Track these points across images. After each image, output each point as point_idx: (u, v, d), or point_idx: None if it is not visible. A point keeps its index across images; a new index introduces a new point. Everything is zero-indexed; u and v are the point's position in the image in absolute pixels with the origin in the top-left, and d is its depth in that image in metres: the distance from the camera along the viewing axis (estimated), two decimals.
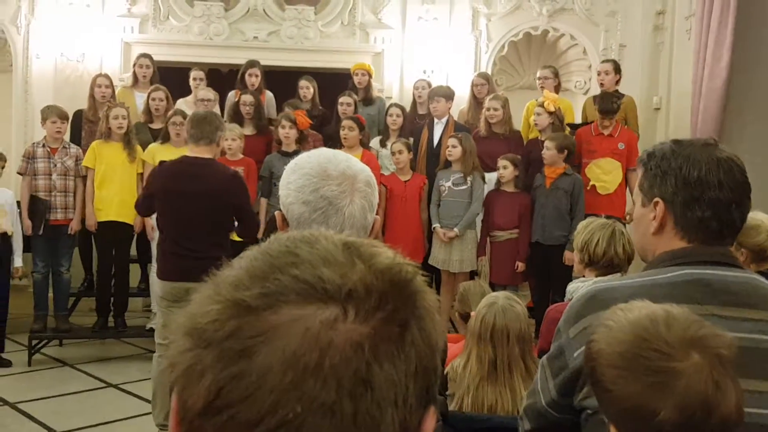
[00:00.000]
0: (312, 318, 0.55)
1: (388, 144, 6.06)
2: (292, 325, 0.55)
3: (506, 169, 5.44)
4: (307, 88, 6.49)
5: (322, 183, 1.41)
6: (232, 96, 6.48)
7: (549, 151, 5.33)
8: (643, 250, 1.62)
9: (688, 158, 1.49)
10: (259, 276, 0.58)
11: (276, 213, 1.47)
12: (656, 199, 1.52)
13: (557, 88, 6.29)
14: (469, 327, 2.60)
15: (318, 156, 1.46)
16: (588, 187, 5.55)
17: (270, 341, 0.54)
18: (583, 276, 2.90)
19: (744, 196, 1.48)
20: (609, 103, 5.67)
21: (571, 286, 2.89)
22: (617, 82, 6.14)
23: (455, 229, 5.46)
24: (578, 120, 6.46)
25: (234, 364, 0.54)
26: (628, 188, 5.70)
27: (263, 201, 5.69)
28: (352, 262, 0.59)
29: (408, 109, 6.50)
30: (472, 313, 2.60)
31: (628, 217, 5.66)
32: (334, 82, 7.04)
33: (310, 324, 0.55)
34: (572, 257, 5.21)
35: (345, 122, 5.75)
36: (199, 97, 6.04)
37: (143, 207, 4.35)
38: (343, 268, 0.58)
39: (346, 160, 1.46)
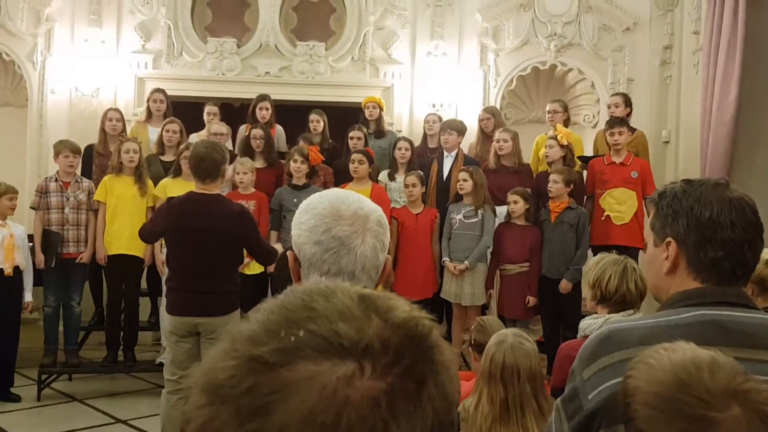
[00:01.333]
0: (329, 374, 0.55)
1: (397, 177, 6.08)
2: (309, 382, 0.54)
3: (517, 204, 5.44)
4: (317, 122, 6.54)
5: (334, 223, 1.40)
6: (243, 130, 6.54)
7: (556, 184, 5.34)
8: (656, 289, 1.61)
9: (699, 198, 1.49)
10: (276, 331, 0.58)
11: (288, 253, 1.47)
12: (668, 239, 1.51)
13: (567, 122, 6.32)
14: (479, 366, 2.57)
15: (330, 196, 1.46)
16: (603, 218, 5.54)
17: (287, 398, 0.54)
18: (596, 312, 2.88)
19: (756, 236, 1.48)
20: (616, 119, 5.75)
21: (584, 323, 2.86)
22: (628, 115, 6.17)
23: (465, 262, 5.45)
24: (589, 154, 6.47)
25: (251, 421, 0.54)
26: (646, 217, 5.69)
27: (273, 234, 5.70)
28: (369, 317, 0.59)
29: (418, 142, 6.54)
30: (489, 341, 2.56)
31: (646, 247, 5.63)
32: (344, 116, 7.10)
33: (327, 380, 0.55)
34: (568, 287, 5.23)
35: (354, 156, 5.78)
36: (212, 131, 6.10)
37: (147, 234, 4.43)
38: (360, 322, 0.58)
39: (358, 201, 1.46)
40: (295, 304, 0.60)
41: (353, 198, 1.46)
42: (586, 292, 2.99)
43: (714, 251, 1.46)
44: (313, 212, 1.43)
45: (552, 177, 5.38)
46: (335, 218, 1.41)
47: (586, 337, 2.81)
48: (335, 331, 0.57)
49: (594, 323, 2.80)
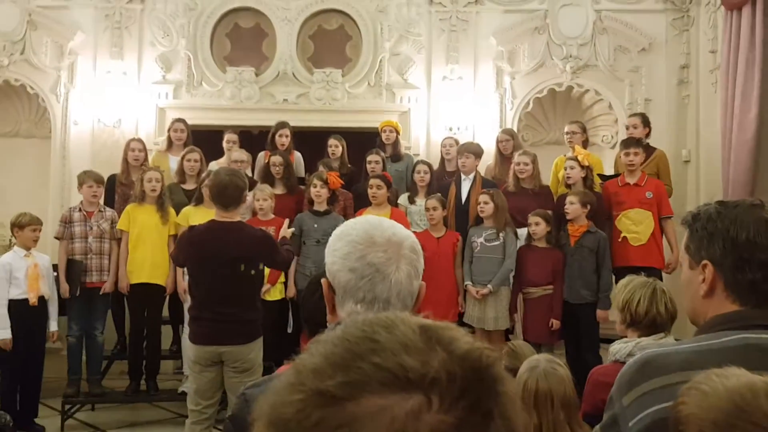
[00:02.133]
0: (396, 408, 0.55)
1: (417, 201, 6.09)
2: (376, 416, 0.54)
3: (538, 225, 5.42)
4: (336, 147, 6.58)
5: (368, 250, 1.40)
6: (262, 157, 6.59)
7: (573, 205, 5.32)
8: (693, 313, 1.59)
9: (735, 220, 1.47)
10: (340, 364, 0.58)
11: (323, 280, 1.47)
12: (704, 261, 1.50)
13: (585, 143, 6.31)
14: None
15: (364, 223, 1.46)
16: (620, 239, 5.51)
17: None
18: (626, 336, 2.84)
19: None
20: (631, 140, 5.75)
21: (614, 347, 2.82)
22: (647, 135, 6.15)
23: (489, 286, 5.42)
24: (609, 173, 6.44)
25: None
26: (665, 238, 5.66)
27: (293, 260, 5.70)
28: (432, 348, 0.59)
29: (436, 166, 6.55)
30: (521, 367, 2.53)
31: (669, 267, 5.60)
32: (361, 141, 7.13)
33: (395, 414, 0.54)
34: (605, 316, 5.17)
35: (372, 181, 5.80)
36: (233, 158, 6.16)
37: (179, 262, 4.50)
38: (424, 354, 0.58)
39: (391, 227, 1.45)
40: (357, 336, 0.60)
41: (387, 224, 1.46)
42: (614, 316, 2.95)
43: (752, 273, 1.44)
44: (347, 239, 1.43)
45: (568, 198, 5.36)
46: (369, 245, 1.40)
47: (616, 361, 2.78)
48: (400, 363, 0.57)
49: (624, 347, 2.76)
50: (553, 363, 2.44)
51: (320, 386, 0.56)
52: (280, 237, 4.50)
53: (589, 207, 5.38)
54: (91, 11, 7.38)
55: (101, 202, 5.83)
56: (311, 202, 5.85)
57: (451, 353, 0.58)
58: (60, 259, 5.59)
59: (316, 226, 5.69)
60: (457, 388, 0.56)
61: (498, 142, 6.50)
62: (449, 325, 0.63)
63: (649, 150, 5.96)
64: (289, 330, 5.86)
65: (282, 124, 6.57)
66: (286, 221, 4.93)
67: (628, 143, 5.72)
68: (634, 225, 5.55)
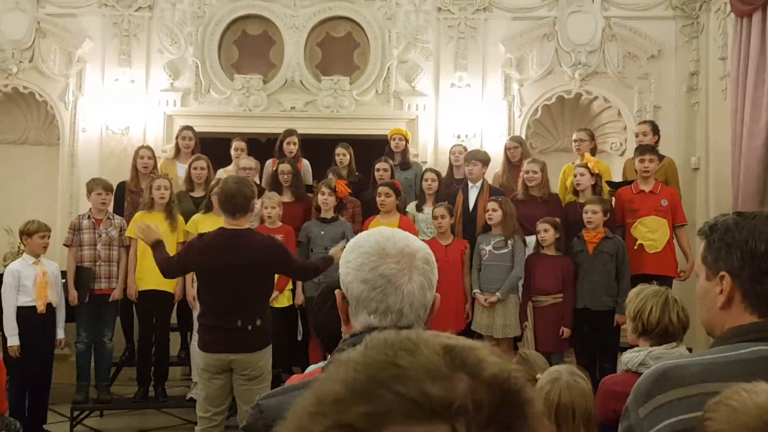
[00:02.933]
0: None
1: (424, 209, 6.07)
2: None
3: (547, 233, 5.40)
4: (343, 155, 6.58)
5: (381, 261, 1.40)
6: (269, 164, 6.60)
7: (596, 214, 5.29)
8: (709, 324, 1.57)
9: (753, 231, 1.46)
10: (361, 393, 0.56)
11: (336, 291, 1.47)
12: (722, 272, 1.48)
13: (593, 151, 6.29)
14: None
15: (376, 234, 1.46)
16: (635, 247, 5.48)
17: None
18: (637, 345, 2.82)
19: None
20: (646, 146, 5.73)
21: (625, 357, 2.80)
22: (656, 143, 6.12)
23: (497, 294, 5.40)
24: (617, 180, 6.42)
25: None
26: (677, 245, 5.64)
27: None
28: (457, 373, 0.57)
29: (444, 173, 6.54)
30: (538, 376, 2.50)
31: (681, 275, 5.57)
32: (369, 148, 7.13)
33: None
34: (625, 320, 5.12)
35: (381, 188, 5.79)
36: (241, 165, 6.16)
37: (172, 271, 4.35)
38: (449, 381, 0.56)
39: (404, 238, 1.45)
40: (379, 360, 0.59)
41: (399, 236, 1.45)
42: (626, 324, 2.93)
43: None
44: (360, 251, 1.43)
45: (591, 207, 5.32)
46: (381, 256, 1.40)
47: (627, 371, 2.76)
48: (424, 392, 0.55)
49: (636, 356, 2.74)
50: (575, 375, 2.40)
51: (342, 419, 0.55)
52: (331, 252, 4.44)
53: (608, 215, 5.38)
54: (99, 19, 7.43)
55: (110, 209, 5.84)
56: (318, 210, 5.85)
57: (476, 377, 0.57)
58: (69, 266, 5.60)
59: (323, 233, 5.68)
60: (484, 416, 0.55)
61: (506, 149, 6.49)
62: (474, 345, 0.61)
63: (658, 157, 5.92)
64: (299, 337, 5.85)
65: (290, 132, 6.58)
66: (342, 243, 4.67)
67: (643, 150, 5.69)
68: (651, 232, 5.52)
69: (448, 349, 0.59)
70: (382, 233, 1.46)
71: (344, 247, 3.91)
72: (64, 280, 5.57)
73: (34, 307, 5.23)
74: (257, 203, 5.27)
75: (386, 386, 0.56)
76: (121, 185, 6.18)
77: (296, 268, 4.37)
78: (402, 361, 0.57)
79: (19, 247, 5.64)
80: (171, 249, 5.59)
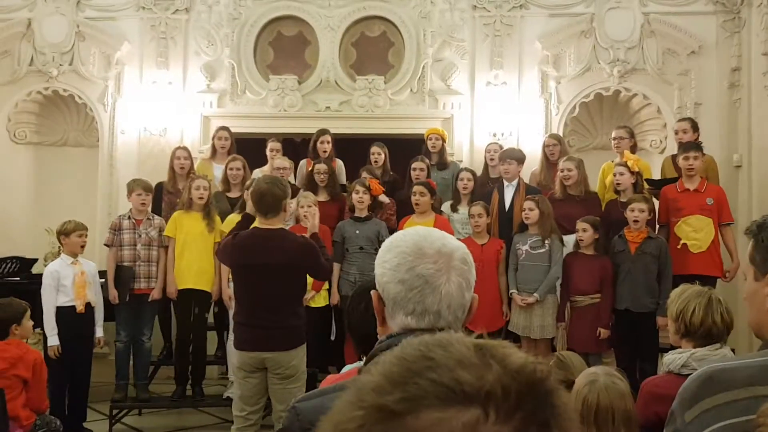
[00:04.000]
0: (454, 421, 0.56)
1: (460, 208, 6.03)
2: (434, 429, 0.56)
3: (586, 232, 5.32)
4: (378, 154, 6.57)
5: (418, 261, 1.37)
6: (304, 165, 6.62)
7: (642, 213, 5.20)
8: (758, 326, 1.52)
9: None
10: (399, 381, 0.60)
11: (372, 292, 1.45)
12: None
13: (633, 148, 6.18)
14: None
15: (413, 234, 1.44)
16: (679, 246, 5.37)
17: None
18: (680, 347, 2.75)
19: None
20: (690, 143, 5.62)
21: (668, 358, 2.74)
22: (696, 140, 5.99)
23: (535, 295, 5.34)
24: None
25: None
26: (723, 245, 5.51)
27: (336, 266, 5.70)
28: (487, 363, 0.60)
29: (479, 172, 6.49)
30: (576, 378, 2.46)
31: (727, 275, 5.45)
32: (404, 148, 7.12)
33: (453, 427, 0.56)
34: (666, 322, 5.03)
35: (416, 188, 5.77)
36: (276, 165, 6.20)
37: (222, 255, 4.40)
38: (479, 369, 0.59)
39: (441, 238, 1.43)
40: (414, 355, 0.62)
41: (436, 235, 1.43)
42: (669, 325, 2.86)
43: None
44: (397, 251, 1.41)
45: (638, 206, 5.22)
46: (418, 256, 1.38)
47: (669, 372, 2.70)
48: (456, 378, 0.58)
49: (679, 358, 2.68)
50: (612, 377, 2.36)
51: (380, 402, 0.58)
52: (309, 232, 4.47)
53: (652, 214, 5.28)
54: (137, 22, 7.55)
55: (149, 210, 5.91)
56: (352, 209, 5.85)
57: (505, 367, 0.60)
58: (109, 266, 5.68)
59: (357, 232, 5.69)
60: (512, 401, 0.58)
61: (545, 147, 6.41)
62: (503, 343, 0.65)
63: (702, 155, 5.78)
64: (332, 337, 5.86)
65: (323, 131, 6.60)
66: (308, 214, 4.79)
67: (688, 147, 5.56)
68: (695, 232, 5.40)
69: (479, 346, 0.63)
70: (418, 233, 1.44)
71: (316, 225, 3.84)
72: (102, 280, 5.66)
73: (74, 306, 5.31)
74: (292, 203, 5.30)
75: (421, 375, 0.59)
76: (159, 186, 6.26)
77: (322, 269, 4.33)
78: (435, 354, 0.62)
79: (59, 247, 5.74)
80: (208, 249, 5.68)
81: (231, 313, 5.21)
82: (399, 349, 0.65)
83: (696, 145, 5.63)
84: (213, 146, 6.71)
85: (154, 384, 6.13)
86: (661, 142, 7.34)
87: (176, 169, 6.27)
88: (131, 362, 5.78)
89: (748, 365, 1.38)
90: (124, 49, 7.47)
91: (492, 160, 6.50)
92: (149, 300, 5.70)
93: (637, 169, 5.61)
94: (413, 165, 6.29)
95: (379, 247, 1.49)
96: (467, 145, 7.36)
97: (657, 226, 5.59)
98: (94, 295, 5.49)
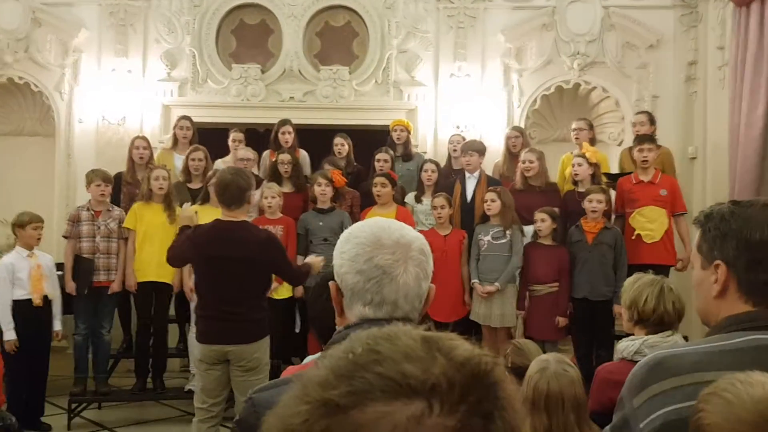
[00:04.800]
0: (398, 414, 0.57)
1: (423, 199, 6.07)
2: (379, 423, 0.56)
3: (544, 222, 5.41)
4: (342, 145, 6.57)
5: (376, 252, 1.39)
6: (267, 155, 6.59)
7: (600, 204, 5.30)
8: (704, 313, 1.57)
9: (748, 220, 1.45)
10: (345, 375, 0.60)
11: (330, 283, 1.46)
12: (717, 261, 1.48)
13: (592, 140, 6.29)
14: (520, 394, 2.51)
15: (372, 225, 1.45)
16: (633, 237, 5.49)
17: None
18: (633, 334, 2.83)
19: None
20: (645, 136, 5.74)
21: (621, 345, 2.81)
22: (653, 133, 6.12)
23: (496, 284, 5.41)
24: (614, 171, 6.42)
25: None
26: (677, 234, 5.65)
27: (300, 258, 5.70)
28: (433, 356, 0.61)
29: (443, 164, 6.53)
30: (529, 368, 2.51)
31: (679, 264, 5.59)
32: (369, 139, 7.12)
33: (398, 420, 0.56)
34: (621, 310, 5.15)
35: (377, 179, 5.80)
36: (239, 156, 6.15)
37: (176, 259, 4.36)
38: (425, 362, 0.60)
39: (399, 229, 1.44)
40: (361, 348, 0.63)
41: (395, 227, 1.45)
42: (622, 313, 2.94)
43: (765, 273, 1.42)
44: (355, 241, 1.42)
45: (596, 197, 5.33)
46: (377, 247, 1.39)
47: (623, 359, 2.77)
48: (402, 371, 0.59)
49: (632, 345, 2.76)
50: (563, 364, 2.42)
51: (325, 396, 0.59)
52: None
53: (609, 204, 5.38)
54: (95, 8, 7.38)
55: (109, 201, 5.82)
56: (315, 201, 5.85)
57: (450, 360, 0.60)
58: (67, 258, 5.59)
59: (321, 224, 5.69)
60: (457, 393, 0.58)
61: (507, 139, 6.49)
62: (450, 335, 0.65)
63: (656, 147, 5.91)
64: (297, 329, 5.86)
65: (284, 122, 6.56)
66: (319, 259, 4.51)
67: (642, 140, 5.69)
68: (649, 222, 5.54)
69: (426, 338, 0.63)
70: (377, 224, 1.46)
71: (323, 260, 3.78)
72: (60, 272, 5.56)
73: (30, 300, 5.22)
74: (256, 194, 5.26)
75: (367, 368, 0.60)
76: (118, 176, 6.15)
77: (289, 272, 4.30)
78: (382, 348, 0.62)
79: (14, 239, 5.62)
80: (169, 240, 5.57)
81: (193, 305, 5.17)
82: (347, 343, 0.65)
83: (650, 138, 5.76)
84: (174, 136, 6.62)
85: (114, 377, 6.06)
86: (619, 134, 7.47)
87: (135, 159, 6.18)
88: (90, 355, 5.70)
89: (695, 351, 1.42)
90: (81, 36, 7.31)
91: (455, 151, 6.56)
92: (109, 293, 5.62)
93: (595, 161, 5.72)
94: (377, 156, 6.31)
95: None
96: (431, 137, 7.39)
97: (613, 217, 5.71)
98: (52, 287, 5.40)
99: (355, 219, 5.78)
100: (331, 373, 0.61)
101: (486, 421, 0.59)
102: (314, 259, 4.45)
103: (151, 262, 5.60)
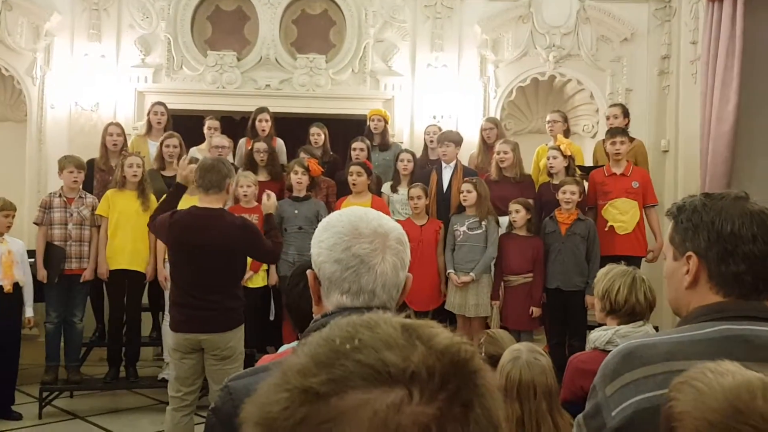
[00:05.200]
0: (378, 402, 0.57)
1: (399, 189, 6.08)
2: (359, 410, 0.56)
3: (518, 213, 5.45)
4: (318, 135, 6.54)
5: (354, 241, 1.39)
6: (243, 144, 6.54)
7: (573, 195, 5.36)
8: (676, 303, 1.59)
9: (720, 212, 1.48)
10: (325, 362, 0.60)
11: (308, 272, 1.46)
12: (689, 253, 1.50)
13: (566, 132, 6.34)
14: None
15: (349, 214, 1.46)
16: (606, 228, 5.56)
17: (339, 427, 0.56)
18: (605, 324, 2.87)
19: None
20: (617, 129, 5.81)
21: (593, 335, 2.86)
22: (626, 126, 6.19)
23: (471, 274, 5.45)
24: (588, 163, 6.49)
25: None
26: (648, 226, 5.73)
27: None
28: (413, 344, 0.61)
29: (419, 153, 6.55)
30: (502, 357, 2.55)
31: (650, 255, 5.67)
32: (345, 128, 7.10)
33: (378, 408, 0.56)
34: (593, 301, 5.22)
35: (352, 168, 5.80)
36: (214, 144, 6.10)
37: (154, 227, 4.28)
38: (405, 350, 0.60)
39: (377, 218, 1.45)
40: (341, 336, 0.62)
41: (372, 216, 1.45)
42: (595, 304, 2.98)
43: (736, 265, 1.45)
44: (333, 230, 1.42)
45: (569, 188, 5.39)
46: (355, 236, 1.40)
47: (595, 349, 2.82)
48: (382, 359, 0.59)
49: (604, 335, 2.80)
50: (535, 353, 2.46)
51: (305, 384, 0.58)
52: (264, 213, 4.44)
53: (582, 196, 5.45)
54: None
55: (81, 188, 5.74)
56: (291, 189, 5.83)
57: (430, 348, 0.60)
58: (38, 245, 5.51)
59: (296, 212, 5.67)
60: (436, 381, 0.58)
61: (482, 130, 6.51)
62: (430, 323, 0.65)
63: (629, 139, 5.98)
64: (271, 317, 5.85)
65: (261, 110, 6.52)
66: (266, 194, 4.51)
67: (614, 132, 5.77)
68: (621, 214, 5.62)
69: (406, 326, 0.63)
70: (355, 213, 1.46)
71: (276, 205, 3.78)
72: (32, 259, 5.48)
73: (1, 286, 5.15)
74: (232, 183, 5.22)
75: (347, 356, 0.60)
76: (90, 163, 6.08)
77: (264, 252, 4.23)
78: (362, 336, 0.62)
79: None
80: (143, 228, 5.53)
81: (167, 293, 5.13)
82: (326, 330, 0.65)
83: (622, 131, 5.84)
84: (148, 122, 6.55)
85: (87, 366, 6.01)
86: (593, 126, 7.54)
87: (108, 146, 6.10)
88: (62, 344, 5.64)
89: (666, 341, 1.45)
90: (54, 20, 7.17)
91: (431, 141, 6.57)
92: (81, 281, 5.56)
93: (569, 153, 5.77)
94: (353, 145, 6.30)
95: None
96: (408, 127, 7.39)
97: (586, 208, 5.78)
98: (23, 274, 5.33)
99: (330, 208, 5.77)
100: (311, 360, 0.60)
101: (465, 409, 0.59)
102: (268, 202, 4.40)
103: (123, 250, 5.54)
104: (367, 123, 6.68)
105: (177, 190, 4.22)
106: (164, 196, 4.44)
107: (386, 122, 6.72)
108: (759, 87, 6.20)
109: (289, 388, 0.59)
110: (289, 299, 2.16)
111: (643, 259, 5.64)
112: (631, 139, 6.11)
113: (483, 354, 2.92)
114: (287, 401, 0.58)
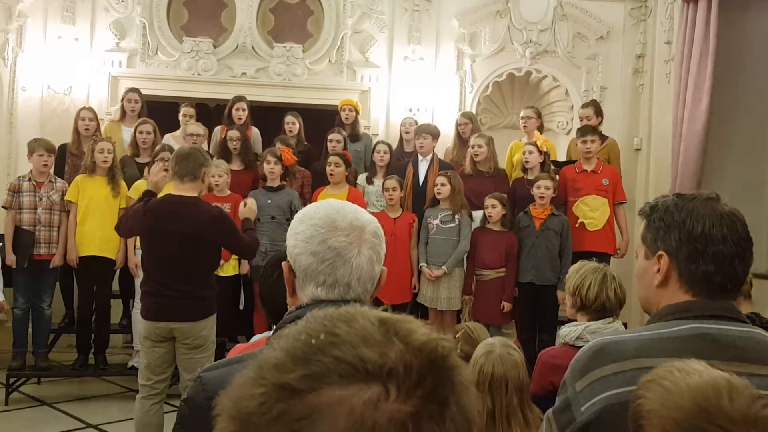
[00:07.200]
0: (355, 398, 0.57)
1: (375, 181, 6.08)
2: (336, 407, 0.56)
3: (495, 209, 5.48)
4: (293, 124, 6.51)
5: (330, 234, 1.39)
6: (218, 131, 6.49)
7: (548, 190, 5.41)
8: (646, 301, 1.62)
9: (691, 212, 1.51)
10: (301, 357, 0.59)
11: (283, 263, 1.46)
12: (660, 252, 1.53)
13: (540, 128, 6.38)
14: None
15: (326, 207, 1.46)
16: (576, 225, 5.63)
17: (315, 423, 0.56)
18: (576, 320, 2.91)
19: (747, 250, 1.50)
20: (588, 127, 5.87)
21: (563, 330, 2.89)
22: (599, 124, 6.26)
23: (443, 267, 5.48)
24: (562, 159, 6.55)
25: None
26: (616, 223, 5.81)
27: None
28: (390, 341, 0.60)
29: (394, 146, 6.54)
30: (475, 351, 2.57)
31: (618, 252, 5.75)
32: (321, 118, 7.07)
33: (354, 405, 0.56)
34: (565, 296, 5.27)
35: (331, 158, 5.78)
36: (189, 131, 6.04)
37: (126, 230, 4.32)
38: (382, 346, 0.60)
39: (354, 211, 1.45)
40: (318, 330, 0.62)
41: (349, 209, 1.45)
42: (566, 299, 3.01)
43: (706, 265, 1.48)
44: (309, 222, 1.42)
45: (544, 183, 5.43)
46: (331, 229, 1.40)
47: (565, 344, 2.85)
48: (359, 355, 0.58)
49: (574, 330, 2.83)
50: (508, 348, 2.48)
51: (281, 379, 0.58)
52: (242, 218, 4.40)
53: (556, 191, 5.50)
54: None
55: (51, 172, 5.65)
56: (264, 179, 5.80)
57: (408, 344, 0.60)
58: (6, 229, 5.42)
59: (269, 202, 5.64)
60: (413, 378, 0.58)
61: (457, 125, 6.53)
62: (408, 318, 0.65)
63: (601, 138, 6.06)
64: (241, 307, 5.82)
65: (239, 98, 6.47)
66: (243, 201, 4.59)
67: (585, 131, 5.84)
68: (591, 211, 5.69)
69: (383, 321, 0.63)
70: (331, 205, 1.46)
71: (254, 210, 3.79)
72: (0, 244, 5.39)
73: None
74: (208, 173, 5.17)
75: (324, 351, 0.59)
76: (62, 147, 5.98)
77: (240, 246, 4.18)
78: (339, 330, 0.61)
79: None
80: (113, 215, 5.48)
81: (138, 281, 5.08)
82: (303, 324, 0.64)
83: (593, 129, 5.91)
84: (122, 108, 6.46)
85: (55, 352, 5.93)
86: (567, 123, 7.60)
87: (81, 131, 6.01)
88: (30, 329, 5.56)
89: (636, 338, 1.47)
90: (26, 1, 7.03)
91: (407, 134, 6.57)
92: (50, 267, 5.48)
93: (545, 149, 5.83)
94: (330, 136, 6.28)
95: (291, 217, 1.50)
96: (384, 119, 7.38)
97: (557, 205, 5.83)
98: None
99: (305, 199, 5.75)
100: (287, 355, 0.60)
101: (442, 407, 0.59)
102: (245, 209, 4.40)
103: (93, 236, 5.47)
104: (338, 113, 6.65)
105: (146, 197, 4.15)
106: (144, 189, 4.37)
107: (357, 113, 6.70)
108: (731, 88, 6.31)
109: (265, 383, 0.58)
110: (263, 290, 2.15)
111: (612, 257, 5.71)
112: (605, 138, 6.17)
113: (459, 351, 2.94)
114: (263, 396, 0.58)
